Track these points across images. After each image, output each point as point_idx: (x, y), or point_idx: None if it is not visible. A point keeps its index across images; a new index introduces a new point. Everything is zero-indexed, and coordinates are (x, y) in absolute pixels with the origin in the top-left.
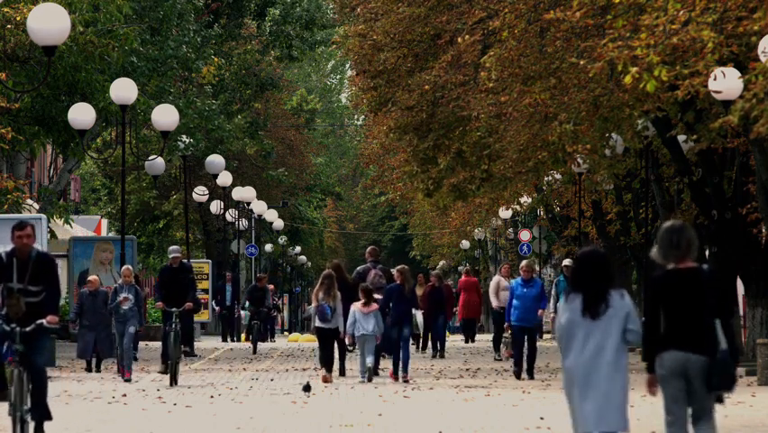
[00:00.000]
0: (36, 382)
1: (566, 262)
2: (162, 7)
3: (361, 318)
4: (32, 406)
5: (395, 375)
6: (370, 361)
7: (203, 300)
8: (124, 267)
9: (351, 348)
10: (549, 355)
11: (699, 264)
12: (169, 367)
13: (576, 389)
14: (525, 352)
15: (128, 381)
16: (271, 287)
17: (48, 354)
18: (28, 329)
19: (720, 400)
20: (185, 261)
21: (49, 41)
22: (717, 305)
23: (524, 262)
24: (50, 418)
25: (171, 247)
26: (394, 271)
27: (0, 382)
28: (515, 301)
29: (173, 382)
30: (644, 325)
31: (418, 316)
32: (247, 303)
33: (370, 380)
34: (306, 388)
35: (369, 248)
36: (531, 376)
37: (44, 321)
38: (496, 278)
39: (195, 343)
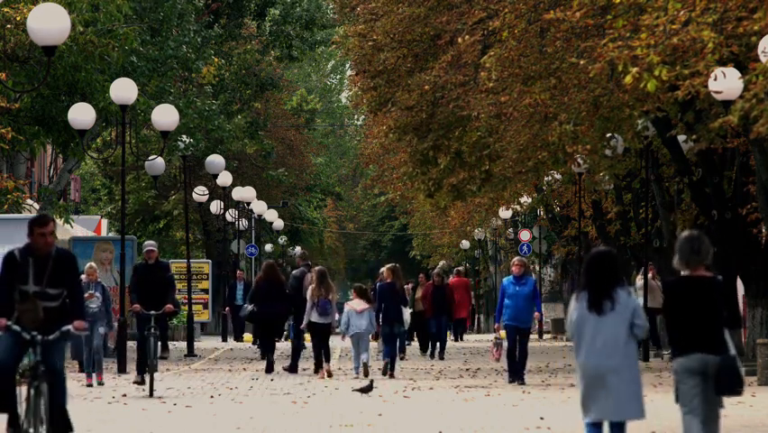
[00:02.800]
0: (53, 385)
1: None
2: (162, 8)
3: (355, 317)
4: (49, 416)
5: (384, 371)
6: (365, 357)
7: (202, 300)
8: (87, 265)
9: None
10: (549, 355)
11: (713, 274)
12: (148, 376)
13: (590, 382)
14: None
15: (100, 384)
16: None
17: (63, 356)
18: (51, 338)
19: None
20: (162, 259)
21: (49, 41)
22: (729, 314)
23: (516, 258)
24: (71, 429)
25: (147, 242)
26: (384, 269)
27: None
28: (506, 300)
29: (151, 392)
30: (666, 327)
31: (406, 313)
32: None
33: (366, 375)
34: (368, 388)
35: (299, 252)
36: (521, 381)
37: (71, 327)
38: (641, 280)
39: (195, 342)
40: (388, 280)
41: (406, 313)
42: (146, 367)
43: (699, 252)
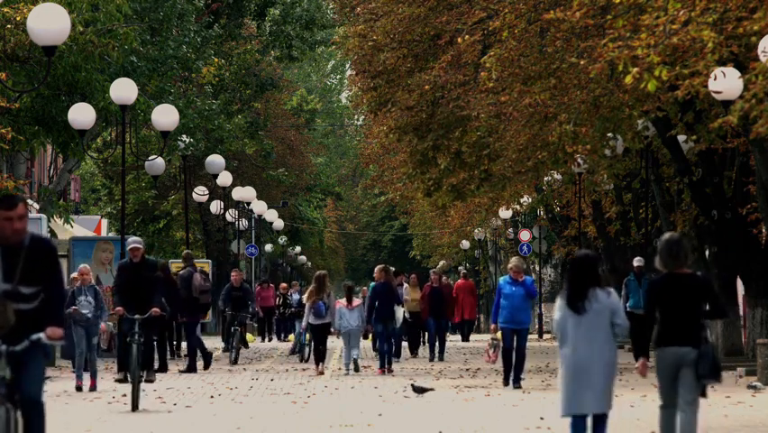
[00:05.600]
0: (30, 420)
1: (636, 261)
2: (162, 8)
3: (347, 314)
4: None
5: (382, 369)
6: (355, 354)
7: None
8: (81, 265)
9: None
10: (549, 355)
11: (693, 271)
12: (132, 386)
13: (570, 376)
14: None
15: (94, 389)
16: (284, 286)
17: (42, 379)
18: (18, 348)
19: (704, 395)
20: (150, 257)
21: (49, 41)
22: (712, 307)
23: (513, 263)
24: None
25: (131, 238)
26: (376, 269)
27: None
28: (502, 301)
29: (135, 405)
30: (642, 318)
31: (399, 312)
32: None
33: (357, 370)
34: (421, 390)
35: (184, 253)
36: (517, 384)
37: (42, 335)
38: None
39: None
40: (382, 280)
41: (399, 311)
42: (128, 367)
43: (678, 256)
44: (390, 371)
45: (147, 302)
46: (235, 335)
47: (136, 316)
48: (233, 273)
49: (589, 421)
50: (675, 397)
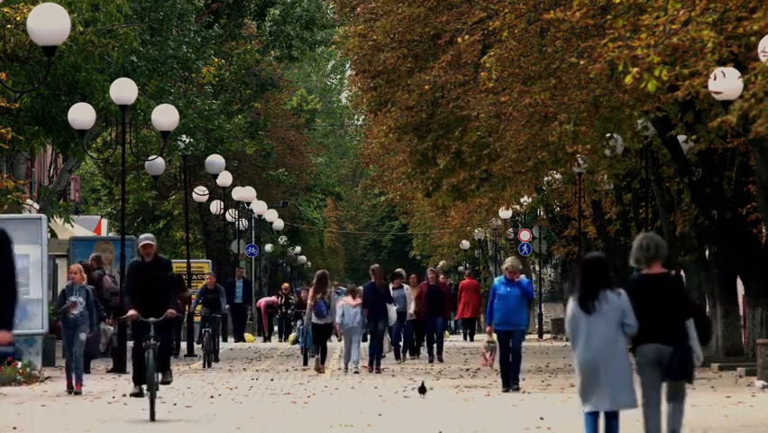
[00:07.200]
0: None
1: None
2: (162, 8)
3: (349, 312)
4: None
5: (370, 366)
6: (355, 355)
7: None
8: (73, 264)
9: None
10: (549, 355)
11: (667, 271)
12: (149, 395)
13: (585, 376)
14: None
15: (78, 393)
16: (285, 286)
17: None
18: None
19: (689, 381)
20: (162, 256)
21: (49, 41)
22: (684, 306)
23: (508, 263)
24: None
25: (143, 235)
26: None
27: None
28: (497, 302)
29: (152, 415)
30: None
31: (392, 310)
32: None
33: (357, 372)
34: (422, 390)
35: (92, 256)
36: (515, 387)
37: None
38: None
39: (195, 343)
40: (372, 280)
41: (392, 310)
42: (144, 379)
43: (648, 248)
44: (379, 370)
45: (161, 304)
46: (206, 336)
47: (150, 319)
48: (207, 276)
49: (602, 420)
50: (657, 395)
